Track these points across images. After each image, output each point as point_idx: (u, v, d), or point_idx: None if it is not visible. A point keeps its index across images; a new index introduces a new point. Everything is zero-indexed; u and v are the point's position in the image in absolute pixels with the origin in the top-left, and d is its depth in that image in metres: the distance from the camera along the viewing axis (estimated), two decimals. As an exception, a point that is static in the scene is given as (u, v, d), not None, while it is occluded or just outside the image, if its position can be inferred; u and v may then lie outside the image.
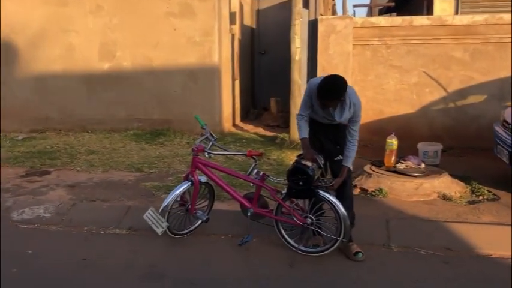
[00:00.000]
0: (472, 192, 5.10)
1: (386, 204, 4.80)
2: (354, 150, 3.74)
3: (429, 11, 9.74)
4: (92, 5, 8.07)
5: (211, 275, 3.62)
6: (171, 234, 4.12)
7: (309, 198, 3.83)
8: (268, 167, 6.04)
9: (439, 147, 6.17)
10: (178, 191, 4.05)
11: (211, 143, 4.10)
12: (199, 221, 4.22)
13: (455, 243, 4.01)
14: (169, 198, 4.03)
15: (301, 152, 3.83)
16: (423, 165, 5.35)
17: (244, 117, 9.54)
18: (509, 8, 8.03)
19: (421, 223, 4.38)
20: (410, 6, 12.13)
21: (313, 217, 3.82)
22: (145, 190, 5.32)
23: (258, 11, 10.50)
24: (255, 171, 4.00)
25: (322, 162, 3.80)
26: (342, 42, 7.31)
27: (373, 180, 5.15)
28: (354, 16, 9.93)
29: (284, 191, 3.84)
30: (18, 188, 5.42)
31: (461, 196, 5.00)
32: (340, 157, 3.80)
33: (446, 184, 5.09)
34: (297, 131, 3.94)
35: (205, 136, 4.13)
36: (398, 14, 12.34)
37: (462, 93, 7.25)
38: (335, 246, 3.77)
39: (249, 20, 10.18)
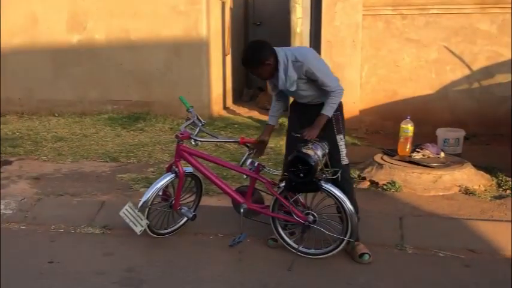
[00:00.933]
0: (499, 185, 5.12)
1: (400, 199, 4.81)
2: (336, 97, 3.71)
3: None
4: (59, -32, 8.02)
5: (198, 282, 3.63)
6: (151, 234, 4.13)
7: (311, 192, 3.83)
8: (265, 156, 6.02)
9: (461, 133, 6.18)
10: (160, 184, 4.05)
11: (198, 128, 4.09)
12: (185, 219, 4.23)
13: (479, 244, 4.03)
14: (150, 193, 4.02)
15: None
16: (443, 154, 5.36)
17: (237, 99, 9.53)
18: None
19: (439, 221, 4.39)
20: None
21: (315, 214, 3.83)
22: (121, 183, 5.32)
23: (253, -25, 10.45)
24: (249, 161, 4.00)
25: (327, 150, 3.79)
26: (350, 12, 7.28)
27: (385, 172, 5.16)
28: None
29: (282, 184, 3.84)
30: (-27, 181, 5.42)
31: (486, 190, 5.02)
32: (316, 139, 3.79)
33: (468, 176, 5.11)
34: None
35: (192, 120, 4.12)
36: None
37: (489, 71, 7.25)
38: (341, 247, 3.79)
39: (242, -14, 10.14)
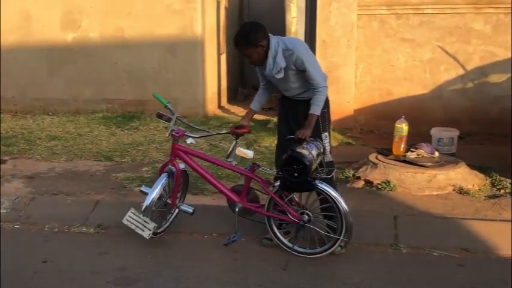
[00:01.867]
0: (493, 185, 5.13)
1: (395, 199, 4.82)
2: (321, 95, 3.74)
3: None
4: (53, -34, 7.99)
5: (192, 281, 3.62)
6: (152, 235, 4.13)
7: (305, 192, 3.83)
8: (260, 155, 6.04)
9: (455, 133, 6.20)
10: (160, 186, 4.01)
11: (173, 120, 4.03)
12: (174, 214, 4.24)
13: (473, 244, 4.04)
14: (152, 196, 3.96)
15: (292, 135, 3.83)
16: (437, 153, 5.37)
17: (232, 98, 9.52)
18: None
19: (433, 220, 4.40)
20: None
21: (310, 213, 3.83)
22: (116, 182, 5.30)
23: (248, -26, 10.44)
24: (237, 149, 3.98)
25: (322, 150, 3.80)
26: (345, 12, 7.29)
27: (380, 171, 5.17)
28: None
29: (277, 183, 3.84)
30: (-33, 180, 5.39)
31: (480, 189, 5.03)
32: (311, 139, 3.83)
33: (463, 176, 5.12)
34: None
35: (175, 117, 4.07)
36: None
37: (483, 71, 7.27)
38: (335, 246, 3.79)
39: (237, -15, 10.13)
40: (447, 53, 7.29)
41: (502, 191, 4.99)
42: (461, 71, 7.32)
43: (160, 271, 3.74)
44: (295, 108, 3.97)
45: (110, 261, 3.89)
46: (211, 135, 4.75)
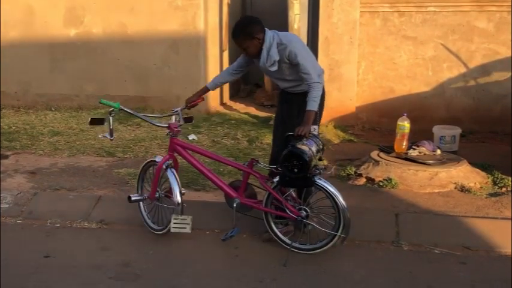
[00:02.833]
0: (494, 183, 5.13)
1: (396, 196, 4.82)
2: (315, 91, 3.74)
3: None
4: (56, -38, 7.99)
5: (193, 276, 3.63)
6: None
7: (304, 187, 3.84)
8: (261, 152, 6.05)
9: (457, 131, 6.19)
10: (177, 182, 4.02)
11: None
12: None
13: (474, 241, 4.04)
14: (177, 191, 3.98)
15: (283, 126, 3.89)
16: (439, 151, 5.37)
17: (234, 95, 9.51)
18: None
19: (435, 218, 4.40)
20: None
21: (308, 209, 3.83)
22: (118, 178, 5.31)
23: (251, -29, 10.43)
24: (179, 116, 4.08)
25: (322, 146, 3.81)
26: (347, 9, 7.27)
27: (381, 169, 5.17)
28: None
29: (276, 179, 3.84)
30: (-31, 175, 5.40)
31: (481, 187, 5.02)
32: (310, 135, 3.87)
33: (464, 174, 5.12)
34: None
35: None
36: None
37: (485, 69, 7.26)
38: (333, 242, 3.79)
39: (240, -18, 10.11)
40: (449, 51, 7.28)
41: (504, 189, 4.98)
42: (463, 69, 7.31)
43: (162, 267, 3.75)
44: (289, 100, 4.03)
45: (111, 257, 3.90)
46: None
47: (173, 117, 4.17)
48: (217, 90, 8.48)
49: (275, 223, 4.00)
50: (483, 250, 3.95)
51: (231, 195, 4.04)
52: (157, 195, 4.16)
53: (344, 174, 5.29)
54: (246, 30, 3.80)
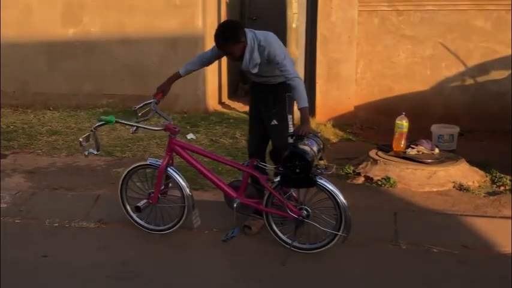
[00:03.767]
0: (493, 182, 5.13)
1: (394, 195, 4.82)
2: (298, 87, 3.74)
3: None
4: (54, -40, 7.97)
5: (192, 276, 3.63)
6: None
7: (306, 187, 3.84)
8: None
9: (455, 130, 6.19)
10: (181, 177, 4.07)
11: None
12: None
13: (473, 240, 4.04)
14: (186, 188, 4.06)
15: (291, 131, 3.91)
16: (437, 150, 5.37)
17: (232, 94, 9.50)
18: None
19: (433, 217, 4.40)
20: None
21: (309, 209, 3.83)
22: (116, 177, 5.27)
23: (249, -31, 10.40)
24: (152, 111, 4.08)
25: (322, 145, 3.82)
26: (346, 8, 7.27)
27: (380, 168, 5.17)
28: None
29: (277, 179, 3.84)
30: (-32, 174, 5.39)
31: (480, 186, 5.03)
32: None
33: (463, 172, 5.12)
34: None
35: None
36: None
37: (483, 67, 7.25)
38: (334, 241, 3.79)
39: (238, -20, 10.09)
40: (448, 49, 7.27)
41: (502, 188, 4.99)
42: (462, 68, 7.30)
43: (160, 266, 3.75)
44: (264, 92, 4.06)
45: (110, 256, 3.90)
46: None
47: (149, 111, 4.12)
48: (216, 89, 8.51)
49: (275, 223, 4.00)
50: (482, 249, 3.95)
51: (231, 195, 4.04)
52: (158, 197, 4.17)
53: (342, 173, 5.29)
54: (231, 36, 3.78)
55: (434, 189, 4.94)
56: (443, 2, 7.16)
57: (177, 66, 7.90)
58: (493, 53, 7.18)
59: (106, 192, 4.92)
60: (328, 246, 3.81)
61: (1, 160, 5.83)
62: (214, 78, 8.43)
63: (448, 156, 5.36)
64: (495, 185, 5.07)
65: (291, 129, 3.98)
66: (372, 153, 5.43)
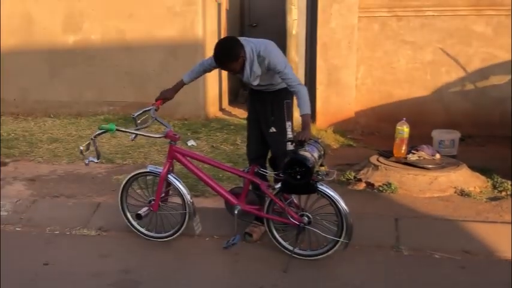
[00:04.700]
0: (494, 187, 5.11)
1: (396, 201, 4.81)
2: (302, 94, 3.73)
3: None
4: (55, -31, 8.00)
5: (193, 284, 3.62)
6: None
7: (307, 194, 3.83)
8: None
9: (456, 135, 6.19)
10: (182, 184, 4.07)
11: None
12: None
13: (475, 246, 4.03)
14: (187, 195, 4.05)
15: (291, 136, 3.91)
16: (438, 156, 5.36)
17: (233, 100, 9.51)
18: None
19: (435, 222, 4.39)
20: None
21: (310, 215, 3.83)
22: (117, 184, 5.26)
23: (249, -24, 10.43)
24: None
25: (323, 151, 3.81)
26: (345, 14, 7.28)
27: (381, 173, 5.16)
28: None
29: (278, 186, 3.84)
30: (-32, 182, 5.39)
31: (481, 192, 5.01)
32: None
33: (464, 178, 5.11)
34: None
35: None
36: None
37: (484, 73, 7.25)
38: (335, 248, 3.78)
39: (238, -13, 10.12)
40: (448, 55, 7.28)
41: (504, 193, 4.97)
42: (462, 73, 7.30)
43: (161, 274, 3.74)
44: (262, 99, 4.05)
45: (111, 264, 3.89)
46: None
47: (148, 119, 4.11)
48: (216, 96, 8.51)
49: (276, 229, 3.99)
50: (483, 254, 3.93)
51: (231, 202, 4.03)
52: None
53: (343, 179, 5.28)
54: (230, 54, 3.76)
55: (436, 195, 4.92)
56: (443, 8, 7.17)
57: (178, 74, 7.91)
58: (493, 58, 7.18)
59: (107, 199, 4.91)
60: (330, 252, 3.80)
61: (2, 168, 5.82)
62: (214, 84, 8.44)
63: (449, 161, 5.35)
64: (496, 190, 5.05)
65: (290, 136, 3.97)
66: (373, 159, 5.42)
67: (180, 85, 4.27)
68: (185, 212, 4.07)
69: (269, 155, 4.22)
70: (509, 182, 5.08)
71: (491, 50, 7.19)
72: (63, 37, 8.14)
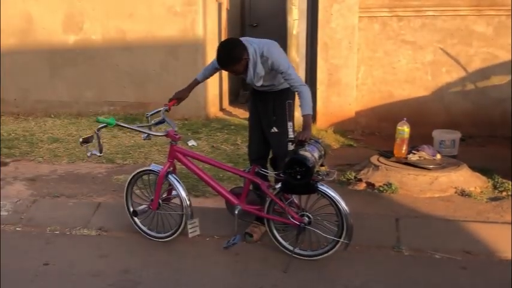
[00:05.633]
0: (495, 187, 5.11)
1: (396, 201, 4.80)
2: (304, 94, 3.73)
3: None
4: (55, -31, 8.00)
5: (193, 284, 3.61)
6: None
7: (307, 194, 3.83)
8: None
9: (457, 135, 6.18)
10: (180, 184, 4.06)
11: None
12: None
13: (475, 246, 4.03)
14: (185, 196, 4.03)
15: (292, 136, 3.90)
16: (439, 156, 5.35)
17: (233, 101, 9.50)
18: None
19: (435, 223, 4.38)
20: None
21: (310, 215, 3.82)
22: (117, 184, 5.29)
23: (249, -24, 10.43)
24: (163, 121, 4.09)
25: (323, 151, 3.81)
26: (346, 14, 7.27)
27: (381, 174, 5.15)
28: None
29: (278, 186, 3.83)
30: (-31, 182, 5.39)
31: (482, 192, 5.00)
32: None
33: (465, 178, 5.10)
34: None
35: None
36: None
37: (484, 73, 7.25)
38: (336, 248, 3.78)
39: (238, -13, 10.12)
40: (449, 55, 7.27)
41: (504, 193, 4.97)
42: (462, 73, 7.30)
43: (161, 274, 3.73)
44: (265, 99, 4.05)
45: (111, 264, 3.88)
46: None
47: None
48: (217, 96, 8.50)
49: (277, 229, 3.99)
50: (484, 255, 3.93)
51: (232, 202, 4.03)
52: (158, 204, 4.15)
53: (344, 179, 5.27)
54: (233, 56, 3.76)
55: (436, 195, 4.92)
56: (444, 8, 7.17)
57: (178, 73, 8.00)
58: (494, 58, 7.18)
59: (107, 199, 4.91)
60: (330, 253, 3.80)
61: (2, 168, 5.81)
62: (215, 85, 8.43)
63: (450, 161, 5.35)
64: (497, 191, 5.05)
65: (291, 136, 3.96)
66: (374, 159, 5.42)
67: (194, 84, 4.29)
68: (183, 214, 4.07)
69: (270, 155, 4.22)
70: (510, 182, 5.08)
71: (491, 50, 7.18)
72: (63, 37, 8.14)
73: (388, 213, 4.54)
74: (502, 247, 3.97)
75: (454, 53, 7.26)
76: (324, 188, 3.72)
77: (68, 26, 8.10)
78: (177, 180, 4.06)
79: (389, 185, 5.00)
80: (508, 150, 6.10)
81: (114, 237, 4.33)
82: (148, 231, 4.24)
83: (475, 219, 4.40)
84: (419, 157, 5.26)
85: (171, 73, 7.93)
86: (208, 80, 7.88)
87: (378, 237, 4.18)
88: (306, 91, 3.74)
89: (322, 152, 3.79)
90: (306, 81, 7.41)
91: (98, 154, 4.00)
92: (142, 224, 4.26)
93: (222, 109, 8.79)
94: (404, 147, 5.31)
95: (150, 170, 4.17)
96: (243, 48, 3.75)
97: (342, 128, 7.32)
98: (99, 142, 3.97)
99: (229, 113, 8.65)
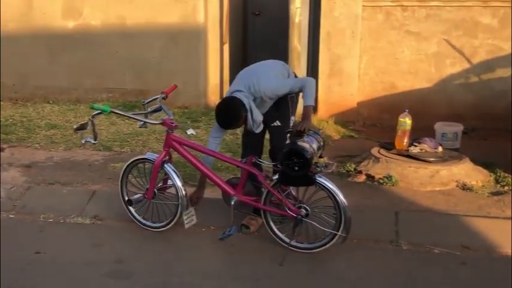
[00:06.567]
0: (497, 181, 5.06)
1: (396, 194, 4.75)
2: (309, 85, 3.78)
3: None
4: (55, -48, 7.91)
5: (188, 274, 3.58)
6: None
7: (305, 186, 3.77)
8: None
9: (459, 128, 6.12)
10: (176, 173, 4.02)
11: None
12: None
13: (475, 241, 3.98)
14: (180, 185, 4.00)
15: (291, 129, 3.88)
16: (440, 148, 5.30)
17: (234, 89, 9.43)
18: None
19: (435, 217, 4.33)
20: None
21: (308, 207, 3.77)
22: (113, 172, 5.23)
23: (252, -37, 10.32)
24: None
25: (322, 143, 3.76)
26: (349, 3, 7.20)
27: (382, 166, 5.10)
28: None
29: (275, 177, 3.78)
30: (-37, 168, 5.35)
31: (483, 186, 4.95)
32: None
33: (466, 171, 5.05)
34: None
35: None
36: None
37: (489, 65, 7.17)
38: (333, 241, 3.73)
39: (241, -26, 10.02)
40: (453, 46, 7.20)
41: (506, 188, 4.91)
42: (466, 65, 7.22)
43: (155, 264, 3.70)
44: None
45: (105, 253, 3.86)
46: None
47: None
48: (217, 84, 8.42)
49: (273, 221, 3.94)
50: (483, 250, 3.89)
51: (228, 192, 3.98)
52: (154, 193, 4.10)
53: (343, 171, 5.22)
54: (234, 118, 3.83)
55: (437, 189, 4.87)
56: (449, -2, 7.09)
57: (178, 60, 7.91)
58: (499, 50, 7.10)
59: (102, 187, 4.87)
60: (327, 245, 3.76)
61: (-2, 154, 5.78)
62: (215, 73, 8.35)
63: (452, 154, 5.30)
64: (499, 185, 5.00)
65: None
66: (374, 151, 5.36)
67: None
68: (178, 204, 4.02)
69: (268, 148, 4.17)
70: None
71: (497, 42, 7.10)
72: (62, 22, 8.07)
73: (388, 206, 4.49)
74: (503, 242, 3.93)
75: (459, 44, 7.18)
76: (322, 179, 3.67)
77: (68, 11, 8.03)
78: (173, 170, 4.02)
79: (389, 177, 4.95)
80: (509, 144, 6.03)
81: (109, 226, 4.30)
82: (143, 221, 4.20)
83: (475, 213, 4.36)
84: (421, 149, 5.20)
85: (171, 60, 7.86)
86: (209, 68, 7.91)
87: (376, 230, 4.14)
88: (311, 82, 3.79)
89: (321, 144, 3.75)
90: (307, 70, 7.37)
91: (93, 141, 3.96)
92: (137, 213, 4.22)
93: (222, 98, 8.73)
94: (406, 140, 5.26)
95: (146, 159, 4.12)
96: (240, 103, 3.79)
97: (343, 118, 7.27)
98: (93, 129, 3.93)
99: (230, 102, 8.58)
